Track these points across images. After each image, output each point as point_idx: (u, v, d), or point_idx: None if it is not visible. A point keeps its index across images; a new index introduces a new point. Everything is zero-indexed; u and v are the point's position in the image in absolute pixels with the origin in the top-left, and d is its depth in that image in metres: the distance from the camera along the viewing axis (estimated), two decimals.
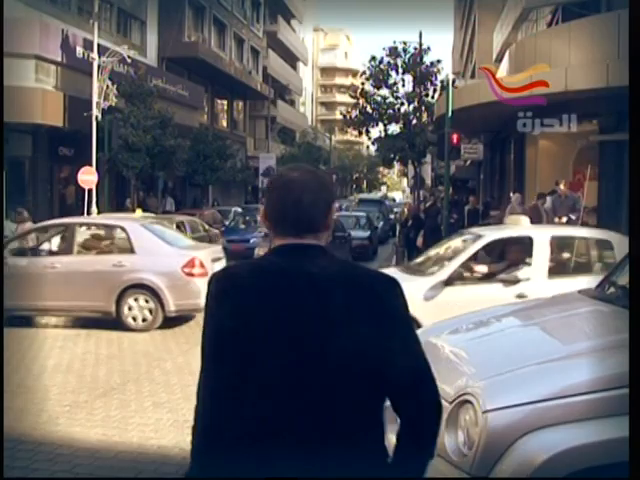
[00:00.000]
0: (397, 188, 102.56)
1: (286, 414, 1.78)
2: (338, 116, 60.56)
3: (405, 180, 78.47)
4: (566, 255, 8.54)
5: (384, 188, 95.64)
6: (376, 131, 40.58)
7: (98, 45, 22.29)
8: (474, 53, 39.53)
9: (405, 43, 36.74)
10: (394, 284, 1.95)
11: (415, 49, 36.49)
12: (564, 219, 13.16)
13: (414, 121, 36.97)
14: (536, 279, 7.56)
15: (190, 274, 9.89)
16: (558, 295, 5.81)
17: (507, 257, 8.42)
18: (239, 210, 28.42)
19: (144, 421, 6.04)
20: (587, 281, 7.78)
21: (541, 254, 7.77)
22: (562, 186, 13.42)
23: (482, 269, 8.12)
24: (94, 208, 21.60)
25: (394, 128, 38.22)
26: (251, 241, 20.65)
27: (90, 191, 21.64)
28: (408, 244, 17.64)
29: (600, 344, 3.37)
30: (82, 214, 21.39)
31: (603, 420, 2.80)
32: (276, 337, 1.80)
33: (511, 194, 18.24)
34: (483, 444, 2.87)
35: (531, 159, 20.61)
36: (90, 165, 21.55)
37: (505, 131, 22.46)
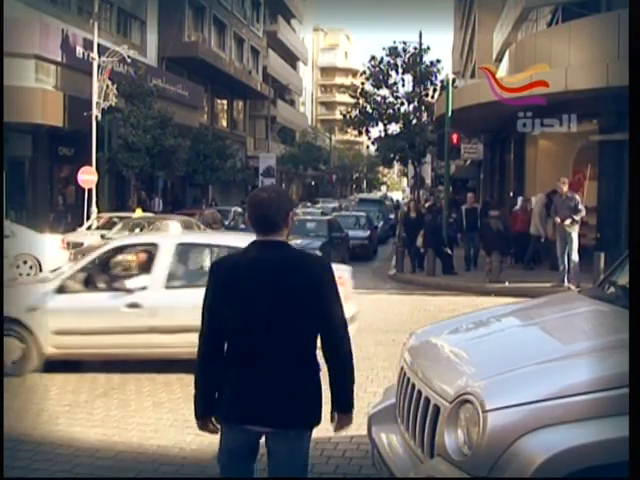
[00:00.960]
0: (397, 188, 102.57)
1: (255, 346, 2.98)
2: (338, 116, 60.51)
3: (405, 180, 78.55)
4: (195, 264, 8.21)
5: (384, 188, 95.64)
6: (376, 131, 40.62)
7: (98, 45, 22.31)
8: (474, 53, 39.55)
9: (405, 43, 36.77)
10: (323, 264, 3.12)
11: (415, 49, 36.51)
12: (567, 221, 13.03)
13: (414, 121, 36.98)
14: (153, 288, 7.28)
15: None
16: (558, 295, 5.83)
17: (136, 264, 8.19)
18: (239, 210, 28.35)
19: (144, 421, 6.04)
20: None
21: (162, 262, 7.43)
22: (564, 186, 13.26)
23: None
24: (94, 208, 21.62)
25: (394, 128, 38.24)
26: None
27: (90, 191, 21.65)
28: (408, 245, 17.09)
29: (600, 344, 3.37)
30: (82, 214, 21.44)
31: (603, 420, 2.80)
32: (247, 299, 2.96)
33: (519, 198, 18.29)
34: (483, 444, 2.87)
35: (531, 159, 20.61)
36: (90, 165, 21.57)
37: (505, 131, 22.45)
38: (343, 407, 3.23)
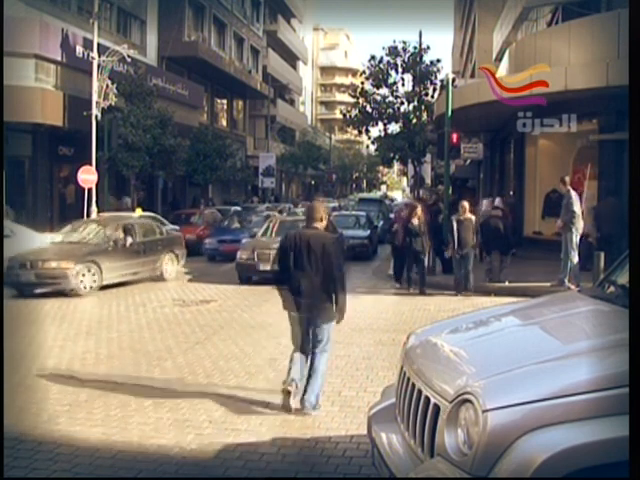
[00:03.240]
0: (397, 187, 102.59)
1: (300, 280, 6.14)
2: (338, 115, 60.48)
3: (405, 179, 78.54)
4: None
5: (384, 187, 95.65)
6: (376, 130, 40.60)
7: (98, 44, 22.29)
8: (474, 52, 39.53)
9: (405, 42, 36.77)
10: (335, 238, 6.71)
11: (415, 48, 36.51)
12: (559, 221, 13.04)
13: (414, 120, 36.97)
14: None
15: None
16: (558, 294, 5.83)
17: None
18: (239, 209, 28.32)
19: (144, 420, 6.04)
20: None
21: None
22: (562, 184, 13.20)
23: None
24: (94, 207, 21.61)
25: (394, 127, 38.25)
26: (243, 241, 18.93)
27: (90, 190, 21.64)
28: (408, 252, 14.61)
29: (600, 343, 3.37)
30: (82, 213, 21.42)
31: (603, 419, 2.80)
32: (298, 253, 6.15)
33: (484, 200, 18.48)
34: (483, 443, 2.87)
35: (531, 158, 20.62)
36: (90, 164, 21.55)
37: (505, 130, 22.46)
38: (339, 309, 6.15)
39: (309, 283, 6.06)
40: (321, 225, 6.33)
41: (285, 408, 6.14)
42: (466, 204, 13.85)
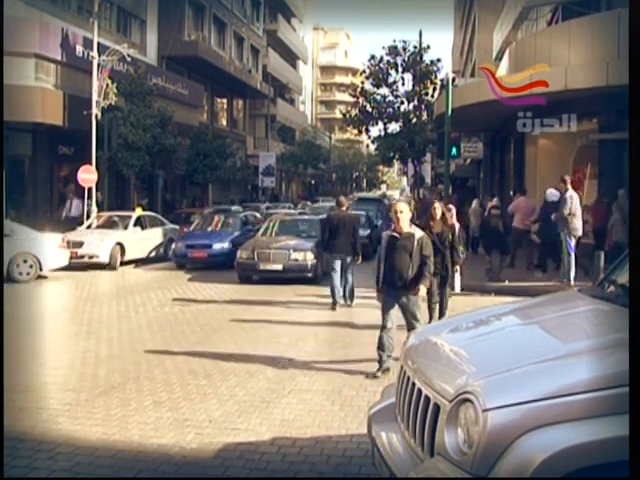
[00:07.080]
0: (397, 187, 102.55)
1: (337, 239, 12.19)
2: (338, 115, 60.49)
3: (405, 179, 78.51)
4: None
5: (384, 187, 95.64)
6: (376, 130, 40.63)
7: (98, 44, 22.29)
8: (474, 52, 39.51)
9: (405, 42, 36.79)
10: (359, 217, 14.43)
11: (415, 47, 36.53)
12: (553, 216, 13.16)
13: (414, 120, 36.98)
14: None
15: None
16: (558, 294, 5.83)
17: None
18: (240, 209, 28.27)
19: (144, 420, 6.04)
20: None
21: None
22: (561, 184, 13.18)
23: None
24: (94, 207, 21.61)
25: (394, 127, 38.27)
26: (214, 247, 18.07)
27: (90, 190, 21.64)
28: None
29: (599, 343, 3.37)
30: (82, 212, 21.43)
31: (603, 419, 2.79)
32: (336, 226, 12.20)
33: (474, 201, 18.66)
34: (483, 443, 2.87)
35: (531, 158, 20.62)
36: (90, 164, 21.55)
37: (505, 130, 22.46)
38: (358, 253, 12.14)
39: (343, 240, 11.86)
40: (345, 209, 12.58)
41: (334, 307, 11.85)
42: (401, 206, 7.26)
